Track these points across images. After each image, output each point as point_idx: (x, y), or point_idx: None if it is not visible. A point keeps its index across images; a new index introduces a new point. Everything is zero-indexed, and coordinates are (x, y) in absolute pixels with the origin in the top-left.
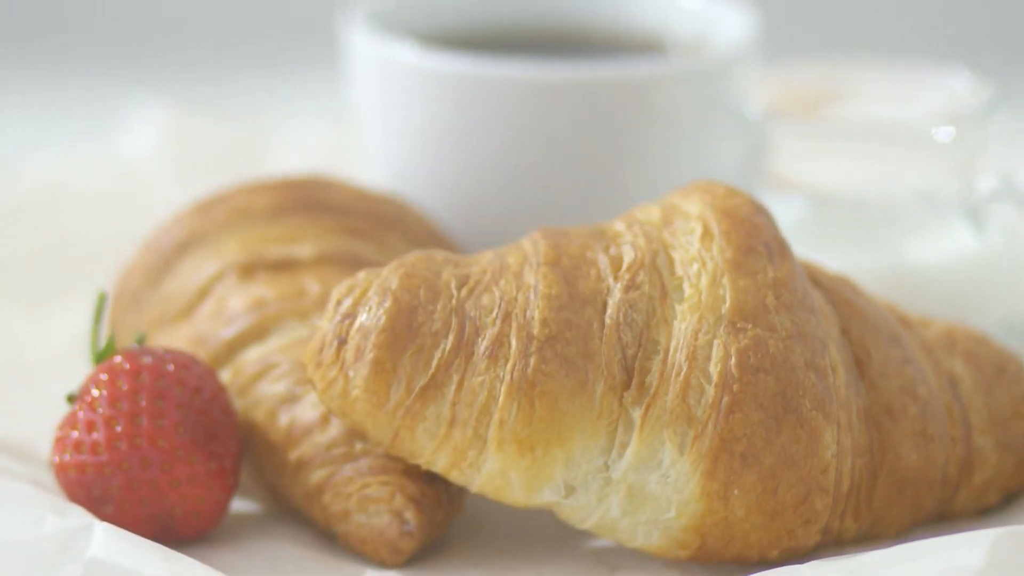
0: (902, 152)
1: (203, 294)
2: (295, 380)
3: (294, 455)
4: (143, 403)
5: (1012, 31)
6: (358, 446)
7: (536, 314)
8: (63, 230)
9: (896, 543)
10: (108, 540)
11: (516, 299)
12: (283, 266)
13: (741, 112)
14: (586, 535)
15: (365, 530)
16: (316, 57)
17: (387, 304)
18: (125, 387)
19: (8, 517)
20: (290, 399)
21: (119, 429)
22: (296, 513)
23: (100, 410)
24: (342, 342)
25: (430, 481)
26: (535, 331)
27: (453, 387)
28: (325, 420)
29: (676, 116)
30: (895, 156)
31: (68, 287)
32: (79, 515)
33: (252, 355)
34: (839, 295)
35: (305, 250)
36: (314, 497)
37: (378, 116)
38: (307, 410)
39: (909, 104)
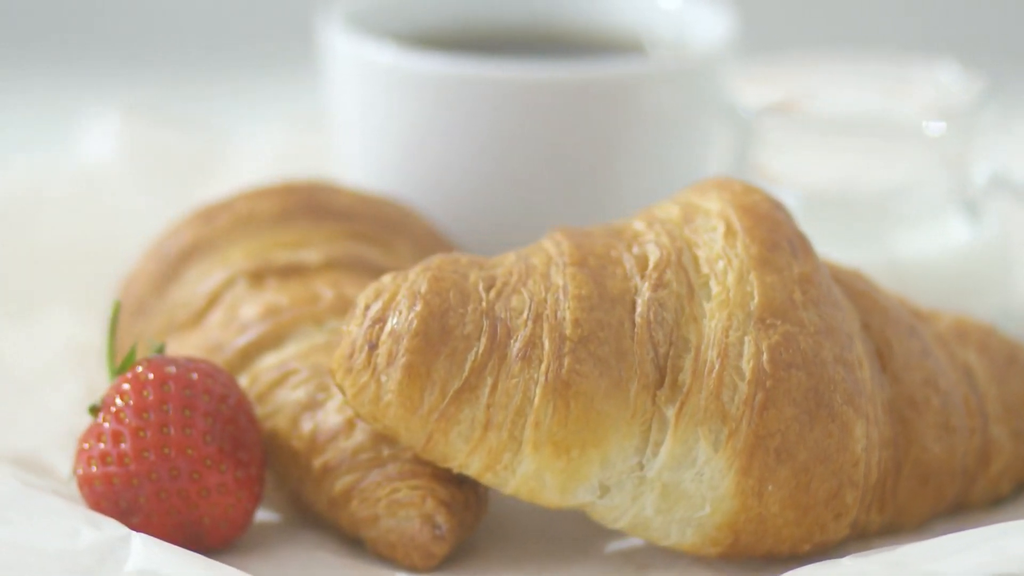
0: (892, 146)
1: (212, 302)
2: (316, 386)
3: (319, 462)
4: (170, 412)
5: (999, 24)
6: (385, 451)
7: (567, 315)
8: (33, 240)
9: (918, 535)
10: (148, 551)
11: (545, 300)
12: (292, 272)
13: (731, 109)
14: (609, 534)
15: (395, 535)
16: (280, 59)
17: (418, 308)
18: (151, 397)
19: (43, 530)
20: (312, 405)
21: (147, 439)
22: (319, 520)
23: (126, 420)
24: (373, 347)
25: (459, 484)
26: (567, 332)
27: (487, 390)
28: (350, 425)
29: (659, 115)
30: (885, 150)
31: (45, 297)
32: (113, 526)
33: (269, 362)
34: (855, 289)
35: (313, 255)
36: (340, 503)
37: (357, 118)
38: (331, 416)
39: (899, 98)
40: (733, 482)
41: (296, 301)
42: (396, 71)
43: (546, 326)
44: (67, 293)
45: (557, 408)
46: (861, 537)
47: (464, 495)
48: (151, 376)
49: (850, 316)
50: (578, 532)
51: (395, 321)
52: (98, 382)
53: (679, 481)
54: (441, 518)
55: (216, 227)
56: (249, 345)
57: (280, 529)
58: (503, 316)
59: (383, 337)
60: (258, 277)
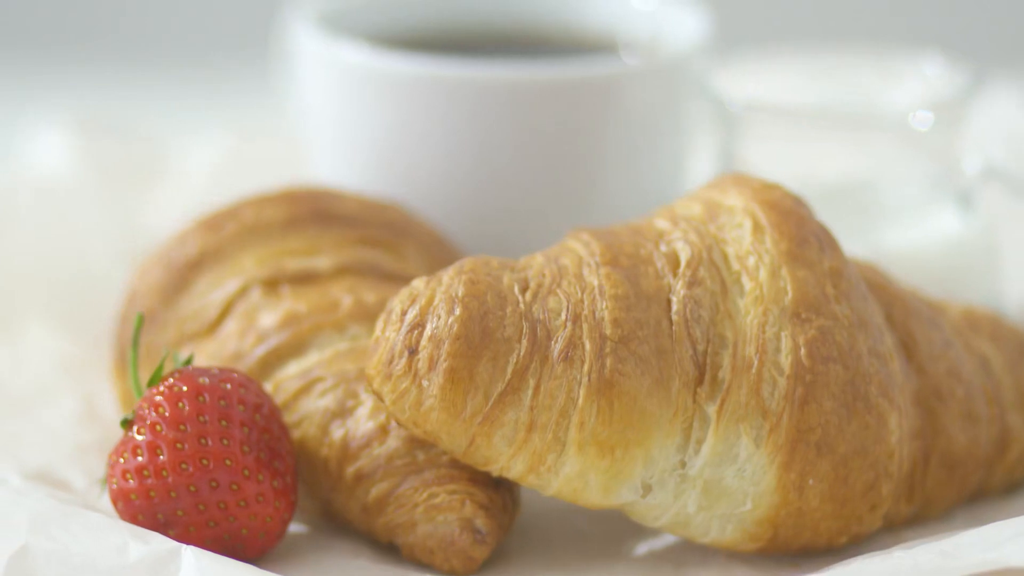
0: (879, 139)
1: (226, 311)
2: (345, 393)
3: (351, 469)
4: (207, 424)
5: (983, 16)
6: (421, 456)
7: (606, 315)
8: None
9: (943, 524)
10: (200, 563)
11: (582, 301)
12: (305, 279)
13: (717, 103)
14: (639, 534)
15: (434, 540)
16: (234, 64)
17: (458, 312)
18: (187, 409)
19: (90, 546)
20: (341, 413)
21: (185, 451)
22: (350, 527)
23: (163, 432)
24: (413, 352)
25: (496, 487)
26: (607, 332)
27: (530, 392)
28: (383, 431)
29: (635, 115)
30: (872, 143)
31: (20, 313)
32: (160, 540)
33: (292, 370)
34: (874, 281)
35: (324, 262)
36: (375, 510)
37: (331, 120)
38: (362, 423)
39: (885, 91)
40: (775, 477)
41: (315, 308)
42: (370, 72)
43: (585, 327)
44: (39, 308)
45: (601, 408)
46: (890, 528)
47: (501, 498)
48: (185, 388)
49: (876, 309)
50: (608, 532)
51: (434, 325)
52: (96, 396)
53: (721, 478)
54: (481, 522)
55: (224, 235)
56: (270, 354)
57: (311, 538)
58: (541, 318)
59: (423, 342)
60: (272, 285)
